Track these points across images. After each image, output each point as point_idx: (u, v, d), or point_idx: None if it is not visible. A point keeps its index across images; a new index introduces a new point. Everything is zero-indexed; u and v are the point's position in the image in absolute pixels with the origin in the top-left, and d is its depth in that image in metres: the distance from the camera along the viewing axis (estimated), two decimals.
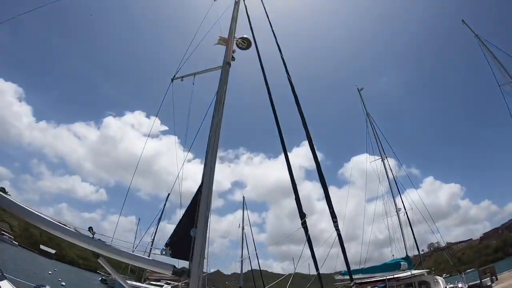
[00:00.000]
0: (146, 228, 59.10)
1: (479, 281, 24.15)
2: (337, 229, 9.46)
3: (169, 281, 48.89)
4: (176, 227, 8.59)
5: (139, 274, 56.06)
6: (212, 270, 57.41)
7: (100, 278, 57.21)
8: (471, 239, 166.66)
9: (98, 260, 7.18)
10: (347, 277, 22.31)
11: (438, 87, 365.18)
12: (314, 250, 9.09)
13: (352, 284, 12.71)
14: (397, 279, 22.14)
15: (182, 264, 8.32)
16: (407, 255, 26.42)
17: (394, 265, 22.98)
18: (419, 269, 25.18)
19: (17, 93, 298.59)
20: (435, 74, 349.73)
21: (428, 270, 26.89)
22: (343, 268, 24.00)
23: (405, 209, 29.18)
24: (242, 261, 51.71)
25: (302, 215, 9.54)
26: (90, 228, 7.00)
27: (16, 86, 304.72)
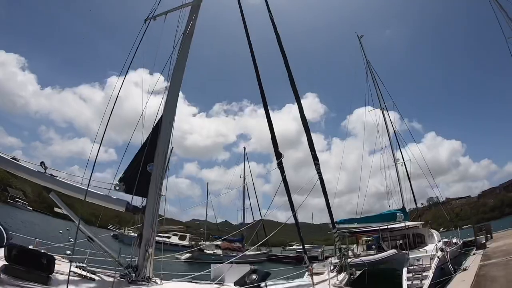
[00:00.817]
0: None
1: (474, 238, 23.01)
2: (319, 173, 9.36)
3: (176, 232, 50.67)
4: (132, 161, 7.94)
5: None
6: (219, 221, 58.47)
7: (112, 234, 58.90)
8: (469, 196, 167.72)
9: (50, 195, 6.94)
10: (343, 225, 21.71)
11: (443, 40, 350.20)
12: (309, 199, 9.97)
13: (334, 231, 11.56)
14: (391, 229, 21.19)
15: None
16: (403, 207, 25.48)
17: (390, 216, 21.99)
18: (415, 222, 24.45)
19: (20, 62, 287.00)
20: (440, 26, 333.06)
21: (423, 223, 25.94)
22: (346, 217, 23.46)
23: (403, 160, 28.64)
24: (244, 210, 52.17)
25: (278, 155, 9.37)
26: (42, 163, 6.89)
27: (18, 56, 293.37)
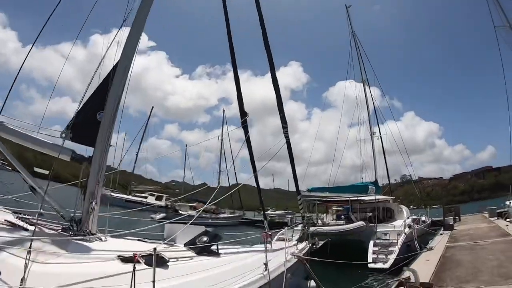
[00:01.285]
0: (137, 144, 58.21)
1: (442, 218, 22.86)
2: (287, 136, 9.02)
3: (153, 192, 50.35)
4: (81, 108, 7.11)
5: (124, 187, 56.01)
6: (199, 183, 57.69)
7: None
8: (441, 177, 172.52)
9: None
10: (314, 193, 21.41)
11: (431, 22, 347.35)
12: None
13: (299, 198, 10.83)
14: (361, 201, 20.74)
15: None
16: (376, 180, 25.13)
17: (362, 188, 21.49)
18: (386, 196, 24.21)
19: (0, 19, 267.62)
20: (430, 8, 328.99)
21: (394, 198, 25.68)
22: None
23: (380, 134, 28.42)
24: (219, 173, 52.12)
25: (243, 114, 9.09)
26: None
27: None
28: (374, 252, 16.58)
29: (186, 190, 55.02)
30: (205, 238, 7.49)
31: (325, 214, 23.93)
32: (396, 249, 16.00)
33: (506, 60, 23.41)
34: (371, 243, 17.18)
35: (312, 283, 9.26)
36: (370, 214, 22.27)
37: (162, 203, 49.84)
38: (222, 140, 51.78)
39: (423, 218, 23.11)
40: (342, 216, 21.90)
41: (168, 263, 5.78)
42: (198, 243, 7.33)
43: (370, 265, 15.37)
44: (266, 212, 27.15)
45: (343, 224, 19.24)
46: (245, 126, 9.28)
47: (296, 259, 8.58)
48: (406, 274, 8.27)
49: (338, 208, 22.96)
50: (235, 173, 58.92)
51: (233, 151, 51.56)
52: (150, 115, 59.13)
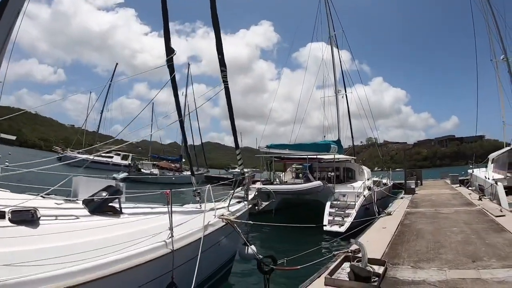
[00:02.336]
0: (107, 104, 55.21)
1: (404, 181, 21.82)
2: (225, 81, 8.20)
3: (118, 152, 48.48)
4: None
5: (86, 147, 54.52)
6: (168, 141, 55.36)
7: (56, 156, 55.23)
8: (405, 142, 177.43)
9: None
10: (273, 150, 19.90)
11: None
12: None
13: (238, 152, 9.20)
14: (320, 160, 19.23)
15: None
16: (339, 139, 23.71)
17: (323, 146, 19.86)
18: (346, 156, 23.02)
19: None
20: None
21: (355, 158, 24.41)
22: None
23: (345, 92, 27.00)
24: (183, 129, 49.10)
25: (169, 51, 8.16)
26: None
27: None
28: (330, 214, 15.43)
29: (156, 149, 53.25)
30: (104, 193, 6.15)
31: (282, 173, 22.55)
32: (353, 212, 14.88)
33: (478, 32, 22.71)
34: (328, 204, 15.97)
35: (252, 248, 7.71)
36: (332, 174, 21.21)
37: (128, 162, 49.08)
38: (186, 95, 49.36)
39: (384, 181, 22.18)
40: (300, 175, 20.63)
41: (42, 221, 4.71)
42: (95, 199, 6.07)
43: (325, 228, 14.29)
44: (235, 170, 25.65)
45: (300, 183, 17.82)
46: (170, 65, 8.26)
47: (225, 223, 6.90)
48: (354, 247, 6.70)
49: (298, 166, 21.54)
50: (199, 131, 58.04)
51: (203, 108, 49.66)
52: (114, 72, 56.03)
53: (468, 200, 14.68)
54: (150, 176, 38.08)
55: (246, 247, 7.68)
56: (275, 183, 19.30)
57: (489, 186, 15.64)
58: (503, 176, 15.91)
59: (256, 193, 17.20)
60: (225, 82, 8.49)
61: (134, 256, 4.23)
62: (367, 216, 14.64)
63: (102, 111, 56.49)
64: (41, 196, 6.04)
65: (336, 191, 16.72)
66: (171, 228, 4.99)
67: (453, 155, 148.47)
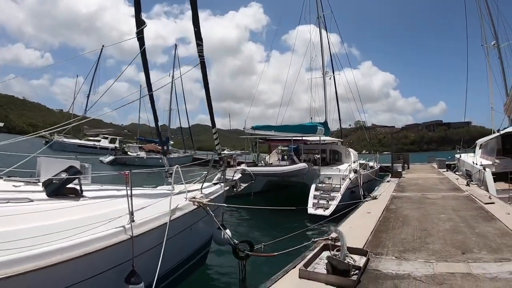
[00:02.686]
0: (94, 88, 53.38)
1: (391, 164, 21.42)
2: (201, 56, 7.70)
3: (106, 136, 48.09)
4: None
5: (75, 133, 53.27)
6: (159, 124, 54.32)
7: (43, 141, 54.01)
8: (393, 126, 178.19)
9: None
10: (258, 131, 19.14)
11: None
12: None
13: (214, 131, 8.59)
14: (306, 142, 18.65)
15: None
16: (325, 121, 23.06)
17: (310, 128, 19.25)
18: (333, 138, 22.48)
19: None
20: None
21: (342, 140, 23.86)
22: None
23: (333, 73, 26.24)
24: (170, 111, 48.24)
25: (139, 23, 7.54)
26: None
27: None
28: (315, 197, 14.92)
29: (145, 132, 52.28)
30: (63, 174, 5.74)
31: (268, 155, 21.97)
32: (338, 195, 14.38)
33: (470, 16, 22.20)
34: (313, 187, 15.47)
35: (227, 233, 7.06)
36: (318, 156, 20.71)
37: (116, 145, 48.22)
38: (173, 77, 48.17)
39: (371, 164, 21.67)
40: (285, 157, 20.08)
41: None
42: (54, 181, 5.67)
43: (309, 211, 13.79)
44: (224, 152, 25.18)
45: (285, 165, 17.25)
46: (140, 38, 7.64)
47: (197, 206, 6.23)
48: (334, 235, 6.15)
49: (284, 148, 20.96)
50: (186, 113, 57.04)
51: (191, 91, 48.74)
52: (100, 54, 54.33)
53: (456, 185, 14.27)
54: (137, 159, 37.44)
55: (222, 232, 7.13)
56: (259, 165, 18.75)
57: (477, 172, 15.27)
58: (491, 162, 15.53)
59: (240, 175, 16.77)
60: (201, 57, 7.92)
61: (86, 243, 3.70)
62: (352, 200, 14.21)
63: (88, 94, 55.25)
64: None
65: (321, 173, 16.22)
66: (130, 213, 4.42)
67: (440, 140, 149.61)
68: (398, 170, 20.26)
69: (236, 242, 6.78)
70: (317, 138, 18.22)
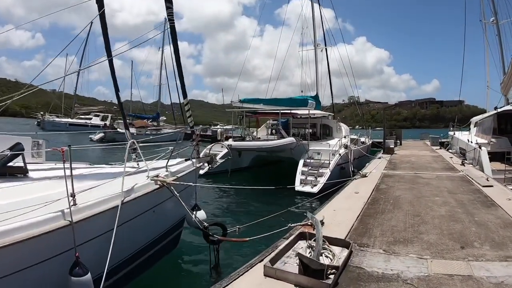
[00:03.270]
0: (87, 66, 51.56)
1: (383, 140, 20.50)
2: (171, 20, 7.08)
3: (97, 113, 47.38)
4: None
5: (67, 111, 53.55)
6: (151, 101, 52.56)
7: (35, 122, 53.42)
8: (387, 102, 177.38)
9: None
10: (246, 105, 18.14)
11: None
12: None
13: (185, 102, 7.52)
14: (294, 115, 17.75)
15: None
16: (317, 95, 21.91)
17: (300, 101, 18.13)
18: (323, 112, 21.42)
19: None
20: None
21: (332, 114, 22.74)
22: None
23: (325, 45, 24.61)
24: (160, 86, 47.25)
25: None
26: None
27: None
28: (303, 173, 14.14)
29: (138, 109, 50.95)
30: (6, 152, 5.22)
31: (256, 129, 20.94)
32: (327, 171, 13.58)
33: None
34: (301, 162, 14.65)
35: (199, 215, 6.27)
36: (310, 130, 19.76)
37: (107, 123, 47.43)
38: (162, 51, 46.35)
39: (362, 139, 20.80)
40: (273, 131, 19.12)
41: None
42: None
43: (297, 188, 13.02)
44: (217, 127, 24.02)
45: (273, 140, 16.32)
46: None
47: (159, 185, 5.33)
48: (310, 222, 5.26)
49: (273, 122, 19.94)
50: (177, 88, 55.38)
51: (185, 66, 47.06)
52: (89, 31, 52.28)
53: (450, 165, 13.41)
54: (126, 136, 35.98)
55: (194, 213, 6.24)
56: (247, 139, 17.79)
57: (472, 150, 14.42)
58: (486, 141, 14.66)
59: (226, 150, 15.86)
60: (171, 20, 7.13)
61: (15, 230, 3.15)
62: (342, 177, 13.36)
63: (78, 72, 53.83)
64: None
65: (310, 148, 15.32)
66: (70, 195, 3.68)
67: (432, 118, 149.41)
68: (391, 147, 19.34)
69: (206, 225, 5.89)
70: (305, 111, 17.18)
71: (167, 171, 5.90)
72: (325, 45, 24.57)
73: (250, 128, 20.36)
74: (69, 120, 47.41)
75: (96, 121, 46.78)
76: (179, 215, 6.45)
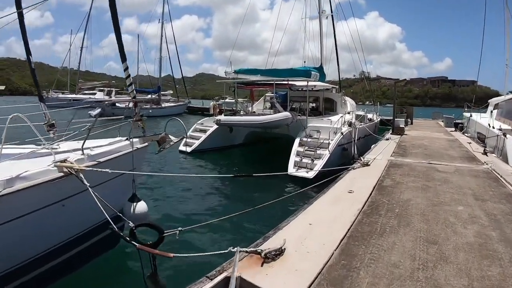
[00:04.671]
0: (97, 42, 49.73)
1: (392, 118, 17.85)
2: None
3: (101, 88, 45.66)
4: None
5: (72, 87, 52.70)
6: (163, 75, 50.08)
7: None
8: (398, 79, 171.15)
9: None
10: (242, 75, 15.95)
11: None
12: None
13: (124, 68, 5.71)
14: (292, 87, 15.11)
15: None
16: (321, 65, 18.98)
17: (302, 73, 15.50)
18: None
19: None
20: None
21: (336, 87, 19.88)
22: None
23: (331, 12, 21.33)
24: (161, 59, 44.23)
25: None
26: None
27: None
28: (298, 154, 11.83)
29: (148, 83, 49.09)
30: None
31: (251, 102, 18.50)
32: (326, 153, 11.31)
33: None
34: (297, 141, 12.45)
35: (141, 205, 4.95)
36: (313, 105, 17.38)
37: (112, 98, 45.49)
38: (162, 23, 43.62)
39: (370, 116, 18.24)
40: (270, 105, 16.71)
41: None
42: None
43: (289, 172, 10.85)
44: (225, 100, 21.74)
45: (268, 115, 14.07)
46: None
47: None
48: (274, 245, 3.18)
49: (271, 95, 17.55)
50: (179, 61, 52.87)
51: (194, 39, 44.64)
52: (91, 5, 50.18)
53: (470, 153, 10.90)
54: (125, 110, 33.92)
55: (134, 203, 4.88)
56: (241, 113, 15.56)
57: (493, 137, 11.93)
58: (511, 127, 12.20)
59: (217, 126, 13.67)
60: None
61: None
62: (344, 159, 11.19)
63: (82, 47, 52.15)
64: None
65: (309, 125, 13.07)
66: None
67: (444, 97, 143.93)
68: (400, 126, 16.75)
69: (133, 225, 3.87)
70: (303, 83, 14.68)
71: (83, 154, 4.36)
72: (331, 11, 21.45)
73: (246, 102, 18.00)
74: (73, 96, 45.59)
75: (100, 96, 44.53)
76: (109, 209, 4.57)
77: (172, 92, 50.58)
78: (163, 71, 46.02)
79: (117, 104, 34.27)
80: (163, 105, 40.39)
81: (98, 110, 33.07)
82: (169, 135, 5.95)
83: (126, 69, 5.83)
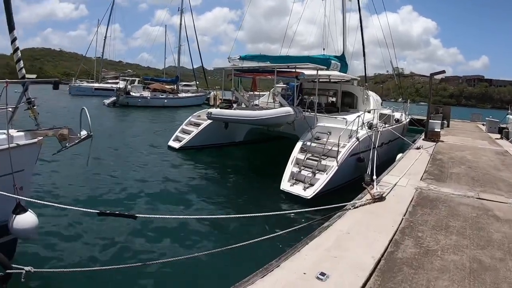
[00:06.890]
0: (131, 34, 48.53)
1: (426, 119, 13.68)
2: None
3: (126, 78, 43.36)
4: None
5: (94, 76, 52.55)
6: (195, 66, 47.99)
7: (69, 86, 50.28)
8: (434, 72, 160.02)
9: None
10: (248, 62, 12.91)
11: None
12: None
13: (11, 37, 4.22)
14: (299, 76, 11.11)
15: None
16: (343, 54, 15.01)
17: (320, 61, 12.08)
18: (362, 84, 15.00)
19: None
20: None
21: (358, 79, 15.84)
22: None
23: (358, 4, 17.00)
24: (179, 49, 41.91)
25: None
26: None
27: None
28: (297, 163, 8.67)
29: (183, 74, 47.14)
30: None
31: (253, 92, 14.99)
32: (333, 164, 8.02)
33: None
34: (298, 146, 9.26)
35: (27, 218, 3.58)
36: (333, 99, 14.06)
37: (117, 87, 44.49)
38: (181, 11, 41.49)
39: (397, 115, 14.16)
40: (284, 97, 13.30)
41: None
42: None
43: (282, 186, 8.00)
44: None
45: (264, 109, 10.94)
46: None
47: None
48: None
49: (279, 86, 14.24)
50: (199, 51, 50.54)
51: (226, 32, 42.20)
52: None
53: None
54: (140, 99, 32.43)
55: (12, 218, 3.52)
56: (242, 106, 12.53)
57: None
58: None
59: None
60: None
61: None
62: (356, 173, 7.99)
63: (105, 37, 51.95)
64: None
65: (317, 124, 9.93)
66: None
67: (479, 97, 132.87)
68: (436, 130, 12.69)
69: None
70: (313, 72, 11.21)
71: None
72: (358, 4, 17.50)
73: (248, 92, 14.77)
74: (95, 85, 45.27)
75: (122, 85, 44.01)
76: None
77: (198, 83, 48.43)
78: (196, 63, 44.06)
79: (131, 93, 32.75)
80: (180, 95, 38.36)
81: (111, 99, 31.58)
82: (74, 131, 4.43)
83: (14, 40, 4.45)
